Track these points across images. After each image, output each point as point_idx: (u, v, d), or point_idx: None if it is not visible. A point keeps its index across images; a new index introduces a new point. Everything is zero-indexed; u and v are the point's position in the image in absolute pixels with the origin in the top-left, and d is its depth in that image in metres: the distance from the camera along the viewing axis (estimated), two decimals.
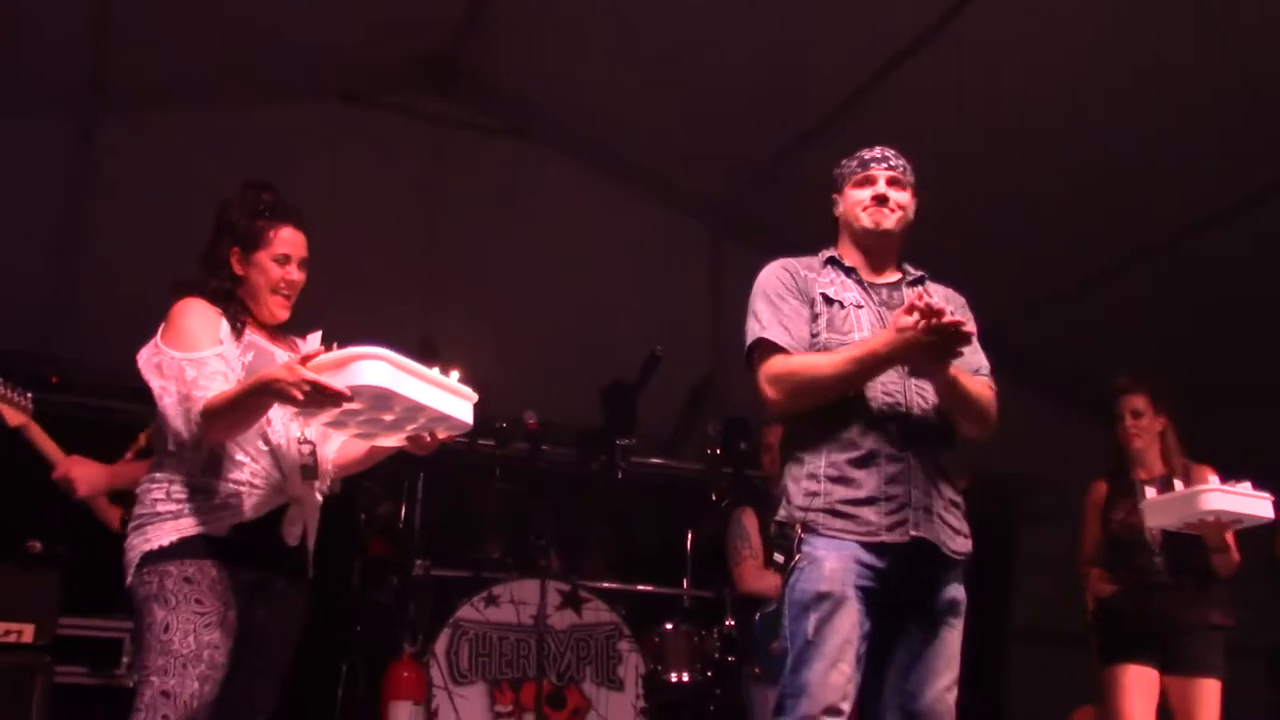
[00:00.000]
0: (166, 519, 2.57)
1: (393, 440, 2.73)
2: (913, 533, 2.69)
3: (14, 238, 5.44)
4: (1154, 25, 4.82)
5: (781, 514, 2.82)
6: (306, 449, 2.74)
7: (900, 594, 2.72)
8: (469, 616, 4.82)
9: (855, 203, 2.96)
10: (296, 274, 2.80)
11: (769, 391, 2.82)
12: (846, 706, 2.61)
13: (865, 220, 2.94)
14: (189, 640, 2.48)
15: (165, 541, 2.54)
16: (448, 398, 2.55)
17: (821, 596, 2.64)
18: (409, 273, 6.06)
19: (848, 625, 2.63)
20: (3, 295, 5.37)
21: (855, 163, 3.01)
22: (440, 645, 4.75)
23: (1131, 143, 5.35)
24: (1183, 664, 3.90)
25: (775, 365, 2.81)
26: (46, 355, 5.54)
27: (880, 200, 2.93)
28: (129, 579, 2.57)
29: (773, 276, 2.96)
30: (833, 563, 2.66)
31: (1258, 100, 5.02)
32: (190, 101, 5.87)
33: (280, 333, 2.84)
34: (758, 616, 4.29)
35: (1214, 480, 3.71)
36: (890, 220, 2.93)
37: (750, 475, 5.40)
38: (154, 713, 2.45)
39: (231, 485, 2.61)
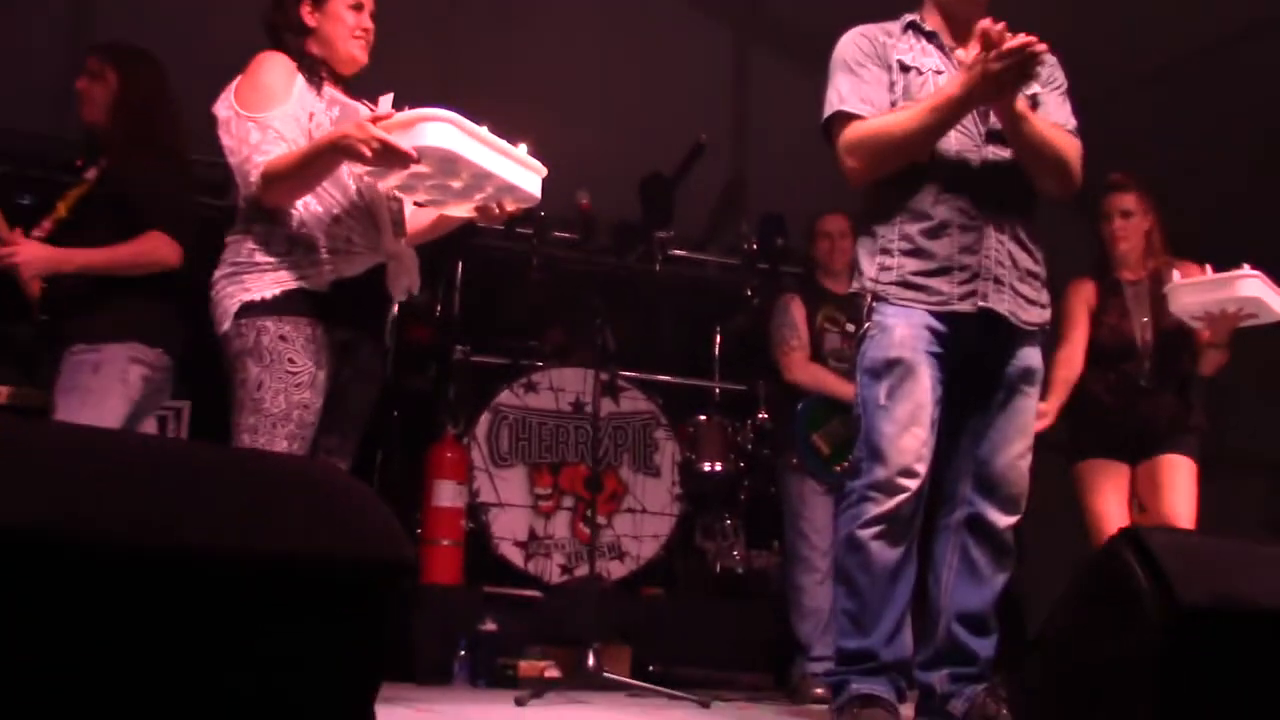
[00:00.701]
0: (266, 269, 2.54)
1: (461, 210, 2.70)
2: (980, 304, 2.69)
3: (25, 21, 5.24)
4: None
5: (854, 286, 2.84)
6: (395, 205, 2.71)
7: (972, 361, 2.74)
8: (508, 402, 4.87)
9: None
10: (369, 22, 2.73)
11: (849, 161, 2.78)
12: (922, 469, 2.66)
13: None
14: (279, 399, 2.50)
15: (267, 294, 2.52)
16: (516, 168, 2.53)
17: (892, 363, 2.67)
18: (431, 59, 5.88)
19: (920, 390, 2.66)
20: (16, 77, 5.21)
21: None
22: (480, 429, 4.80)
23: None
24: (1154, 451, 3.87)
25: (853, 132, 2.75)
26: (61, 138, 5.41)
27: None
28: (224, 326, 2.55)
29: (851, 44, 2.87)
30: (903, 329, 2.68)
31: None
32: None
33: (354, 92, 2.78)
34: (799, 407, 4.31)
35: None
36: None
37: (785, 271, 5.40)
38: None
39: (330, 239, 2.58)
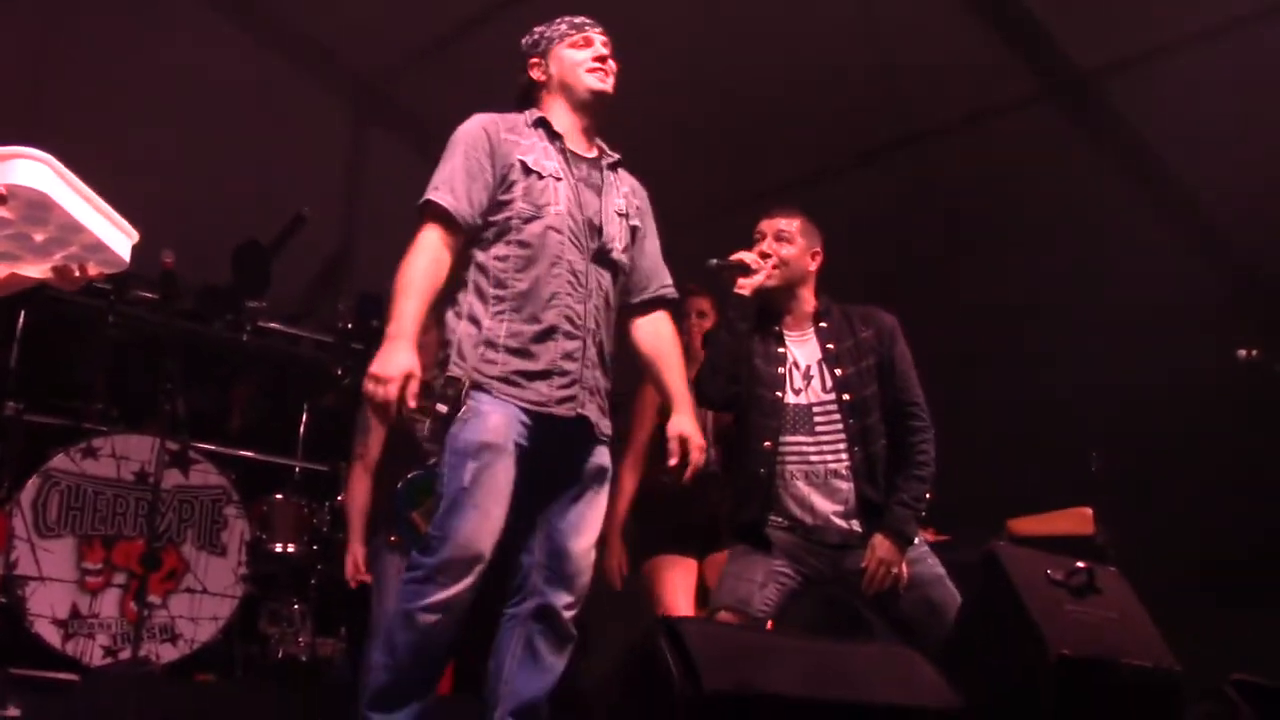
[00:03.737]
0: None
1: (37, 270, 2.49)
2: (580, 411, 2.82)
3: None
4: None
5: (454, 370, 2.77)
6: None
7: (552, 458, 2.83)
8: (63, 467, 4.47)
9: (576, 63, 2.98)
10: None
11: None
12: (488, 554, 2.69)
13: (591, 81, 2.97)
14: None
15: None
16: (107, 226, 2.35)
17: (484, 447, 2.69)
18: (17, 93, 5.44)
19: (504, 479, 2.70)
20: None
21: (565, 25, 3.02)
22: (26, 495, 4.36)
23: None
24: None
25: (424, 238, 2.79)
26: None
27: (602, 60, 2.98)
28: None
29: (470, 134, 2.89)
30: (497, 418, 2.72)
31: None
32: None
33: None
34: (401, 484, 4.25)
35: None
36: (610, 83, 2.99)
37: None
38: None
39: None
